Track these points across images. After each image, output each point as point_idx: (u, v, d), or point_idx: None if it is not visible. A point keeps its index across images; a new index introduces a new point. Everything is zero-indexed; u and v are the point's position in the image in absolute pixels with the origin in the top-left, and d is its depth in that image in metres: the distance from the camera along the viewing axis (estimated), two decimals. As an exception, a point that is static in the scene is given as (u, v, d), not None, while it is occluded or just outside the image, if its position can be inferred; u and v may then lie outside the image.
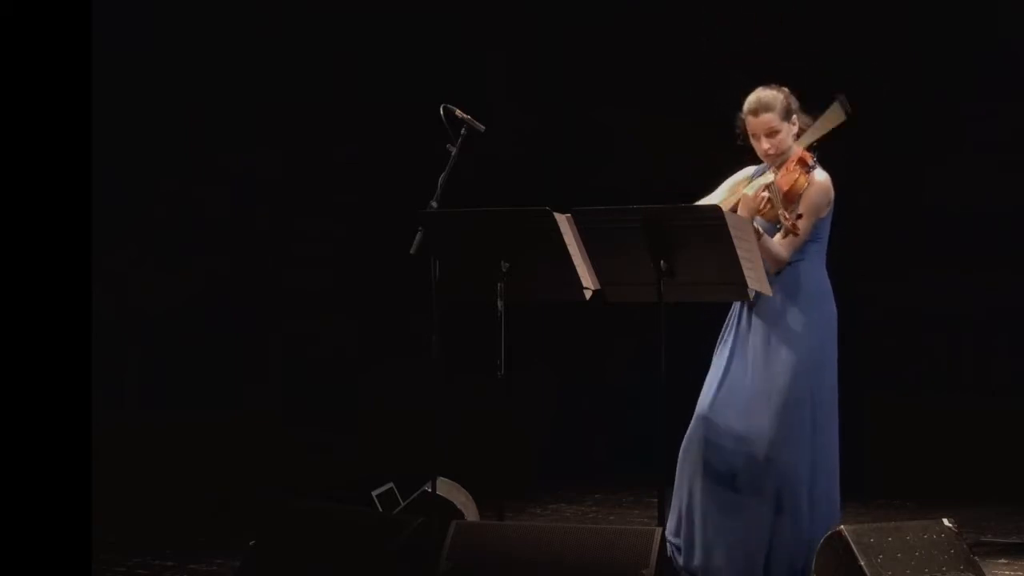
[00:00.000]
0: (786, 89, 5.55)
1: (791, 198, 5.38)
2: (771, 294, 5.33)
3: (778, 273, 5.46)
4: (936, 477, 7.89)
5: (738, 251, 5.04)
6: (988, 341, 8.43)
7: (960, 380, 8.47)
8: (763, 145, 5.50)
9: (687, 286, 5.17)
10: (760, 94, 5.52)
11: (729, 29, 8.56)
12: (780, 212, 5.25)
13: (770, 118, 5.48)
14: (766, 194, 5.35)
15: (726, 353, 5.60)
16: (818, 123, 5.46)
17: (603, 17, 8.90)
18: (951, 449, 8.08)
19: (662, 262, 5.10)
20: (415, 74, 8.28)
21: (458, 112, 5.64)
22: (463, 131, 5.61)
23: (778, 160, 5.50)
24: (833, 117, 5.42)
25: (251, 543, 5.45)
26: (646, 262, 5.12)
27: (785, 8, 8.46)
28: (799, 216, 5.30)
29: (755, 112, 5.50)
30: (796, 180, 5.40)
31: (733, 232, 5.02)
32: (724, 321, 5.69)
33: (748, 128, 5.53)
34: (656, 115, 8.59)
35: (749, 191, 5.44)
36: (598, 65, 8.91)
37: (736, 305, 5.62)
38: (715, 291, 5.35)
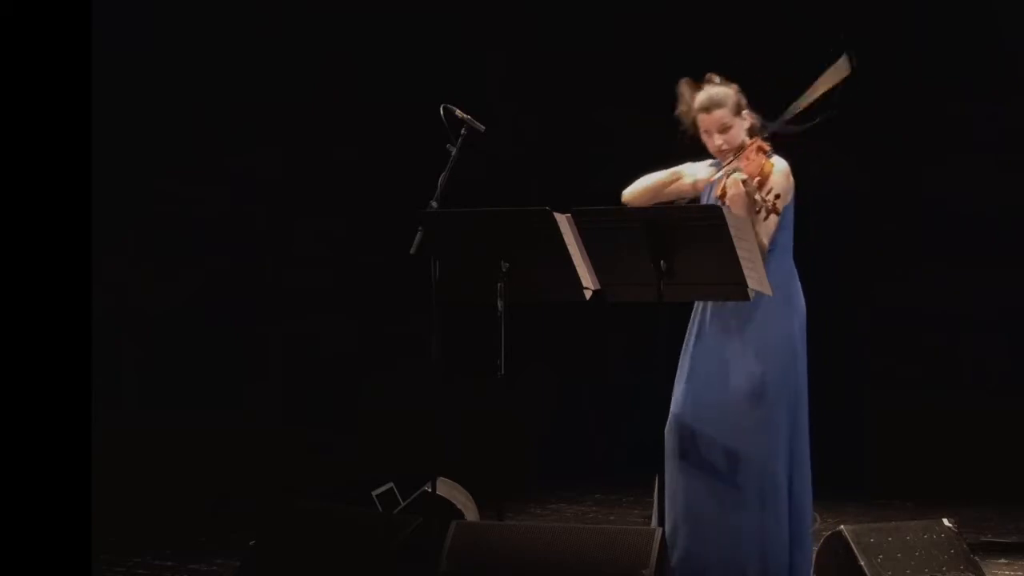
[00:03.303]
0: (735, 85, 5.56)
1: (762, 183, 5.38)
2: (771, 294, 5.33)
3: None
4: (936, 477, 7.89)
5: (738, 251, 5.03)
6: (988, 341, 8.43)
7: (960, 380, 8.47)
8: (715, 141, 5.50)
9: (687, 286, 5.17)
10: (711, 91, 5.52)
11: (729, 29, 8.57)
12: (757, 196, 5.23)
13: (722, 114, 5.48)
14: (747, 189, 5.32)
15: (691, 349, 5.57)
16: (823, 77, 5.40)
17: (603, 17, 8.90)
18: (951, 449, 8.08)
19: (662, 262, 5.10)
20: (415, 74, 8.28)
21: (458, 112, 5.64)
22: (463, 131, 5.61)
23: (730, 155, 5.48)
24: (837, 72, 5.39)
25: (251, 543, 5.45)
26: (646, 262, 5.12)
27: (785, 8, 8.46)
28: (777, 196, 5.29)
29: (707, 109, 5.49)
30: (763, 165, 5.40)
31: (733, 232, 5.02)
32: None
33: (700, 125, 5.52)
34: (656, 115, 8.59)
35: (732, 188, 5.39)
36: (598, 65, 8.91)
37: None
38: (715, 291, 5.34)
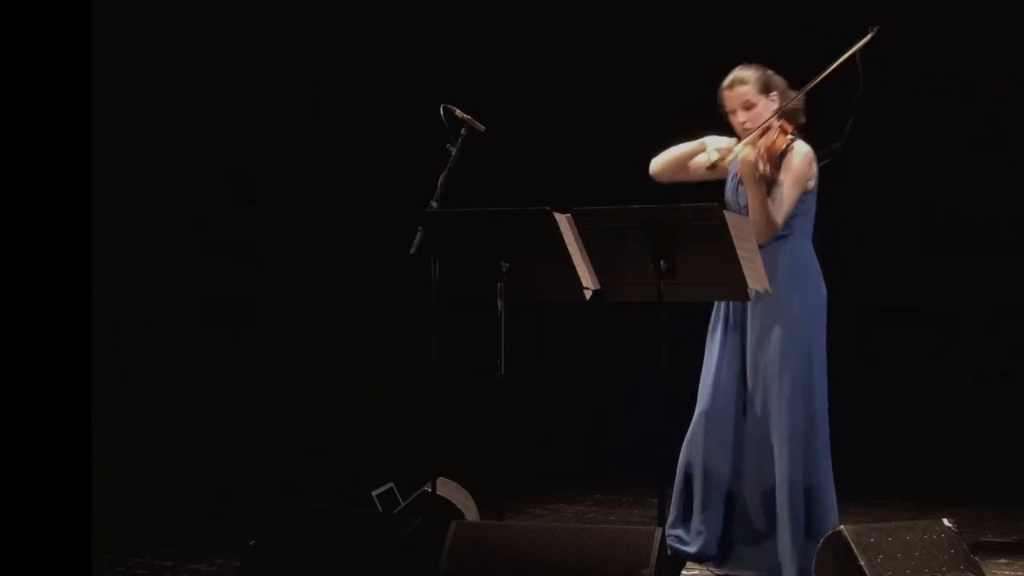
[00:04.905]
0: (769, 70, 5.58)
1: (770, 158, 5.40)
2: (772, 294, 5.34)
3: (767, 249, 5.44)
4: (936, 477, 7.89)
5: (738, 251, 5.04)
6: (989, 341, 8.43)
7: (960, 380, 8.46)
8: (739, 118, 5.53)
9: (687, 286, 5.17)
10: (737, 70, 5.59)
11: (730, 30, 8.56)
12: (760, 166, 5.27)
13: (745, 90, 5.53)
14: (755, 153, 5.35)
15: (716, 343, 5.60)
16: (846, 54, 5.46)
17: (603, 17, 8.90)
18: (951, 449, 8.07)
19: (662, 262, 5.10)
20: (415, 74, 8.28)
21: (458, 112, 5.64)
22: (463, 131, 5.62)
23: (753, 131, 5.50)
24: (856, 44, 5.44)
25: (251, 543, 5.45)
26: (646, 262, 5.12)
27: (785, 7, 8.46)
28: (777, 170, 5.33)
29: (731, 86, 5.56)
30: (774, 141, 5.42)
31: (733, 232, 5.02)
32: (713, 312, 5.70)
33: (725, 103, 5.56)
34: (656, 115, 8.60)
35: (743, 152, 5.42)
36: (598, 65, 8.91)
37: None
38: (715, 291, 5.35)
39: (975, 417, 8.18)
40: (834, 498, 5.56)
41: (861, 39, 5.46)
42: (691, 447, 5.55)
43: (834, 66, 5.46)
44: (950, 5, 8.25)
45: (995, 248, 8.27)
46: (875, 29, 5.44)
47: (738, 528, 5.53)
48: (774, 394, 5.45)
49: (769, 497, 5.46)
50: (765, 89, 5.53)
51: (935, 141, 8.35)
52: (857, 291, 8.23)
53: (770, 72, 5.59)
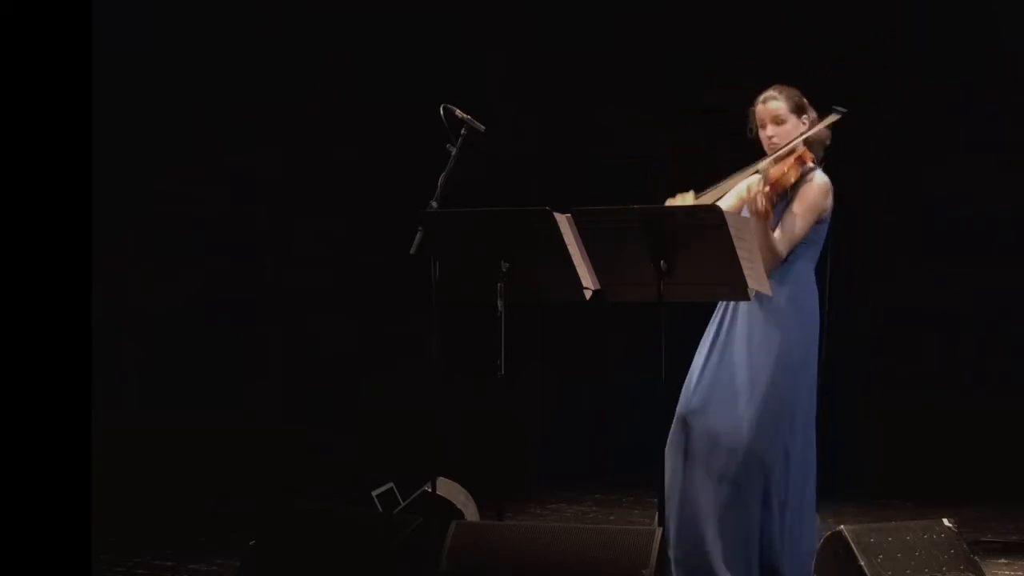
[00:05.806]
0: (800, 92, 5.60)
1: (776, 188, 5.38)
2: (771, 294, 5.34)
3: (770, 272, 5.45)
4: (936, 477, 7.89)
5: (738, 251, 5.03)
6: (988, 341, 8.43)
7: (960, 380, 8.47)
8: (767, 132, 5.53)
9: (687, 286, 5.17)
10: (774, 87, 5.58)
11: (732, 30, 8.57)
12: (759, 198, 5.25)
13: (778, 106, 5.53)
14: (757, 187, 5.35)
15: (707, 345, 5.61)
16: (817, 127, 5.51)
17: (603, 17, 8.90)
18: (951, 449, 8.08)
19: (662, 262, 5.10)
20: (415, 74, 8.28)
21: (458, 112, 5.64)
22: (463, 131, 5.61)
23: (777, 150, 5.51)
24: (828, 119, 5.47)
25: (251, 543, 5.45)
26: (646, 262, 5.12)
27: (785, 8, 8.46)
28: (770, 203, 5.33)
29: (764, 100, 5.57)
30: (785, 172, 5.40)
31: (733, 232, 5.01)
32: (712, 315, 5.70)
33: (756, 117, 5.56)
34: (656, 115, 8.60)
35: (745, 189, 5.44)
36: (598, 65, 8.91)
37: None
38: (715, 291, 5.35)
39: (975, 417, 8.18)
40: (813, 509, 5.55)
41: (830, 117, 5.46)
42: (671, 450, 5.53)
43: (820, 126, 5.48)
44: (950, 5, 8.25)
45: (995, 248, 8.28)
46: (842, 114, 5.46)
47: (722, 533, 5.50)
48: (761, 405, 5.44)
49: (751, 503, 5.45)
50: (797, 110, 5.55)
51: (935, 141, 8.35)
52: (857, 291, 8.24)
53: (800, 93, 5.59)
